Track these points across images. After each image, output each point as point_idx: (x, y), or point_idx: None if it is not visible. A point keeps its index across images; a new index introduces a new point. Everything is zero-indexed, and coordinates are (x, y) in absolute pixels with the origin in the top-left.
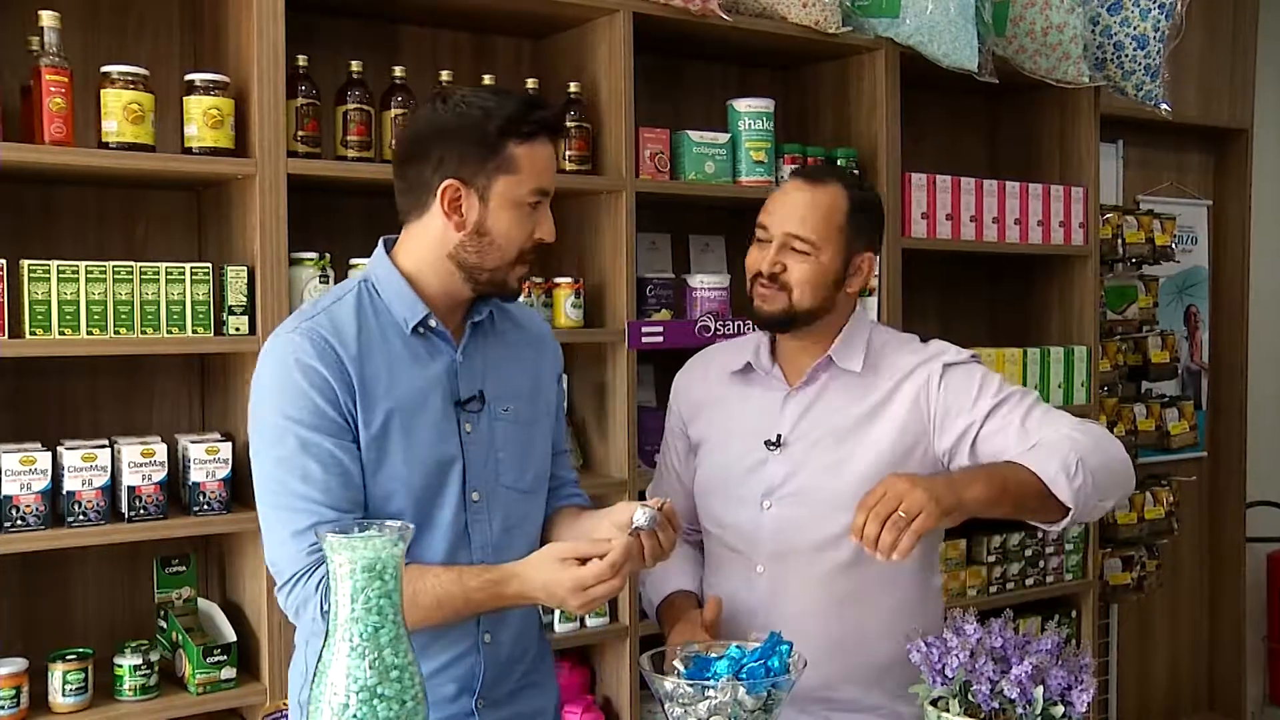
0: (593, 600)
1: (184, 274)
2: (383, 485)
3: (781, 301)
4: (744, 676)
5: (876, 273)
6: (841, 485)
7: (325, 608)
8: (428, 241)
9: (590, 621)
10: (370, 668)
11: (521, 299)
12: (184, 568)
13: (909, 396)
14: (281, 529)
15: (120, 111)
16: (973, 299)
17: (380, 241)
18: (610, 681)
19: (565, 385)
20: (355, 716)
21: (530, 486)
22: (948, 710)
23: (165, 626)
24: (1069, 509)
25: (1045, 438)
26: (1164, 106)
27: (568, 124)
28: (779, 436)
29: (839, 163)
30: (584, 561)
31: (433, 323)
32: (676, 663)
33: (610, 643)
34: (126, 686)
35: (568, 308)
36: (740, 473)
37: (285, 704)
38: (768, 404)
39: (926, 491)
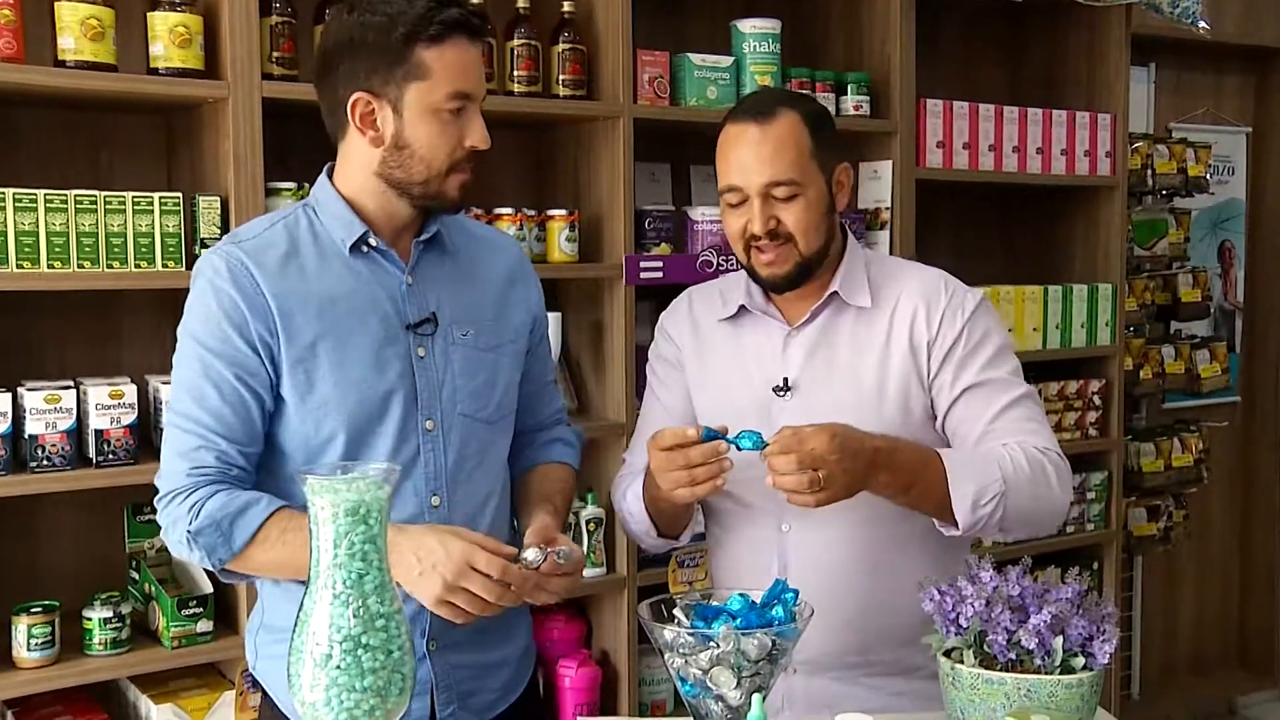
0: (461, 589)
1: (153, 204)
2: (313, 411)
3: (792, 257)
4: (747, 625)
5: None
6: (862, 424)
7: (191, 528)
8: (356, 161)
9: (587, 572)
10: (354, 616)
11: (512, 230)
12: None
13: (907, 325)
14: (172, 444)
15: (77, 27)
16: (990, 234)
17: (324, 168)
18: (607, 634)
19: (546, 312)
20: (339, 667)
21: (492, 416)
22: (962, 662)
23: (137, 578)
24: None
25: (992, 451)
26: (1202, 25)
27: (561, 46)
28: (785, 380)
29: (849, 88)
30: None
31: (373, 241)
32: (677, 612)
33: (607, 594)
34: (96, 640)
35: (562, 241)
36: (747, 422)
37: None
38: (768, 346)
39: (846, 473)
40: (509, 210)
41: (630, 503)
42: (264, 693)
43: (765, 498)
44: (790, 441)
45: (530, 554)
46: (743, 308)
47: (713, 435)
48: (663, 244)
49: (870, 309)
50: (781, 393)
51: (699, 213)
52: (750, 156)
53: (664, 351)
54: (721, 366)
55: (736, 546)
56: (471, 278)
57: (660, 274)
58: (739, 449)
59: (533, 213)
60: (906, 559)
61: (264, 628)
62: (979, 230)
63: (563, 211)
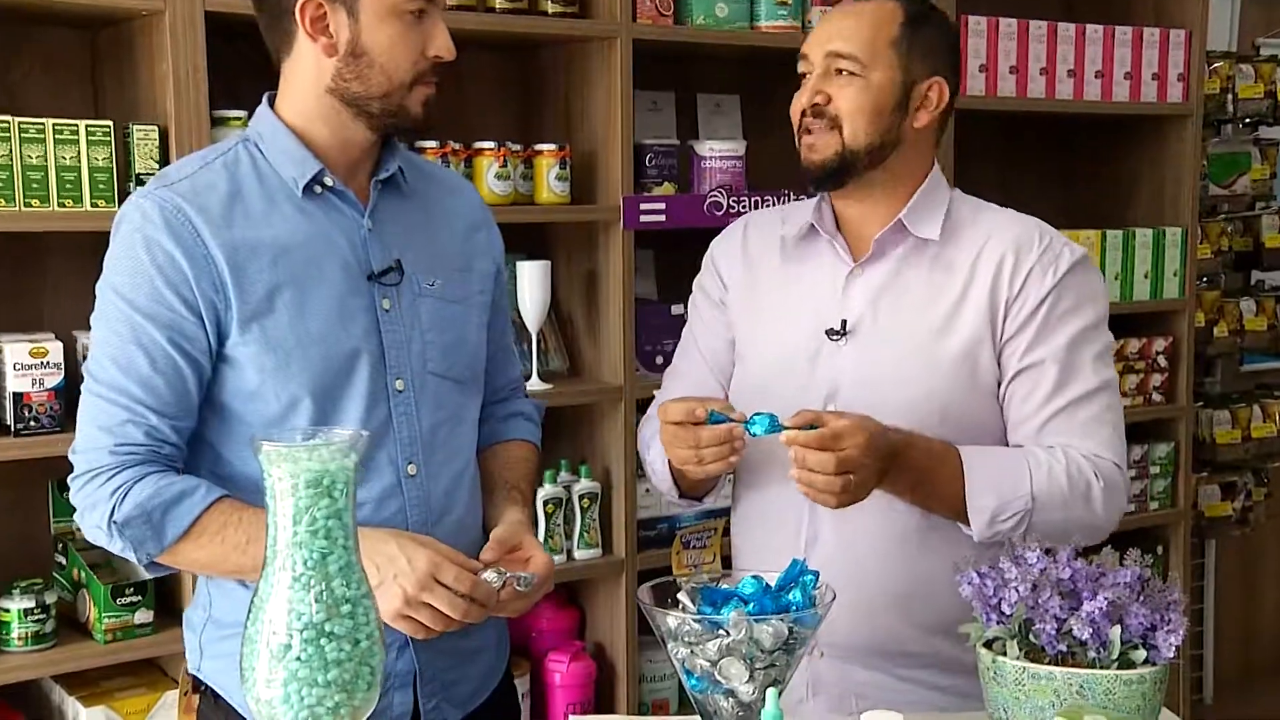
0: (423, 604)
1: (77, 133)
2: (272, 374)
3: (832, 143)
4: (761, 611)
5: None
6: (919, 386)
7: (116, 518)
8: (304, 79)
9: (579, 554)
10: (316, 601)
11: (494, 169)
12: None
13: (989, 276)
14: (92, 416)
15: None
16: (1042, 172)
17: (265, 97)
18: (603, 624)
19: (506, 274)
20: (299, 659)
21: (464, 375)
22: (1004, 654)
23: (64, 563)
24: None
25: (1027, 455)
26: None
27: None
28: (844, 323)
29: None
30: None
31: (329, 180)
32: (682, 596)
33: (602, 579)
34: (15, 635)
35: (551, 180)
36: (795, 368)
37: None
38: (828, 282)
39: (871, 477)
40: (490, 145)
41: (654, 456)
42: (210, 694)
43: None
44: (826, 439)
45: (489, 575)
46: (810, 229)
47: (721, 420)
48: (665, 183)
49: (945, 245)
50: (836, 337)
51: (707, 148)
52: (830, 26)
53: (708, 286)
54: (771, 303)
55: (761, 516)
56: (434, 223)
57: (663, 217)
58: (750, 434)
59: (518, 148)
60: (951, 539)
61: (211, 622)
62: (1028, 168)
63: (552, 147)
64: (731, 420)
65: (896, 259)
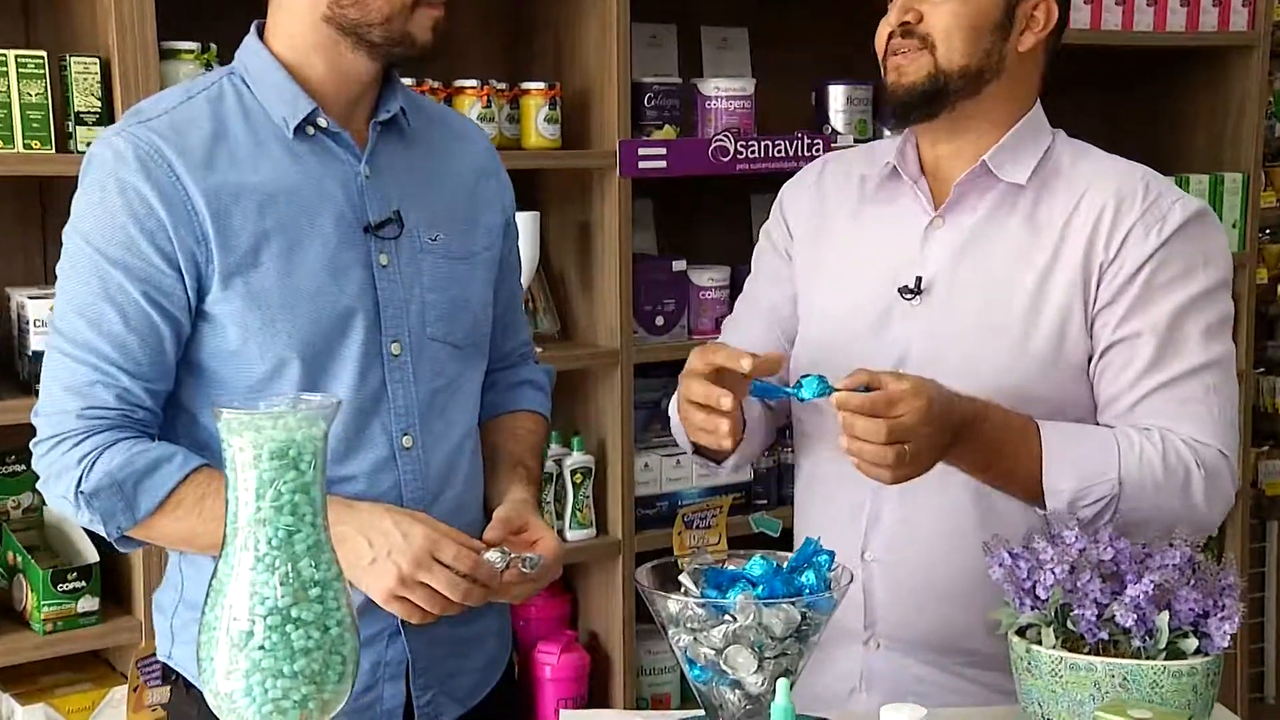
0: (419, 584)
1: (6, 65)
2: (257, 333)
3: (924, 64)
4: (771, 594)
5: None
6: (1000, 356)
7: (83, 488)
8: (297, 5)
9: (571, 534)
10: (281, 584)
11: (477, 110)
12: (22, 467)
13: (1085, 234)
14: (58, 375)
15: None
16: (1085, 110)
17: (252, 27)
18: (597, 612)
19: (515, 216)
20: (263, 648)
21: (464, 341)
22: (1039, 642)
23: None
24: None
25: (1117, 435)
26: None
27: None
28: (919, 280)
29: None
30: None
31: (322, 121)
32: (684, 578)
33: (597, 561)
34: None
35: (540, 123)
36: (861, 330)
37: None
38: (906, 233)
39: (933, 449)
40: (473, 83)
41: (674, 407)
42: (182, 683)
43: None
44: (879, 404)
45: (493, 555)
46: (894, 170)
47: (764, 389)
48: (666, 126)
49: (1042, 205)
50: (910, 295)
51: (712, 86)
52: None
53: (774, 235)
54: (840, 254)
55: (820, 490)
56: (437, 170)
57: (663, 164)
58: (799, 399)
59: (503, 87)
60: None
61: (184, 604)
62: (1070, 106)
63: (541, 85)
64: (774, 392)
65: (985, 210)
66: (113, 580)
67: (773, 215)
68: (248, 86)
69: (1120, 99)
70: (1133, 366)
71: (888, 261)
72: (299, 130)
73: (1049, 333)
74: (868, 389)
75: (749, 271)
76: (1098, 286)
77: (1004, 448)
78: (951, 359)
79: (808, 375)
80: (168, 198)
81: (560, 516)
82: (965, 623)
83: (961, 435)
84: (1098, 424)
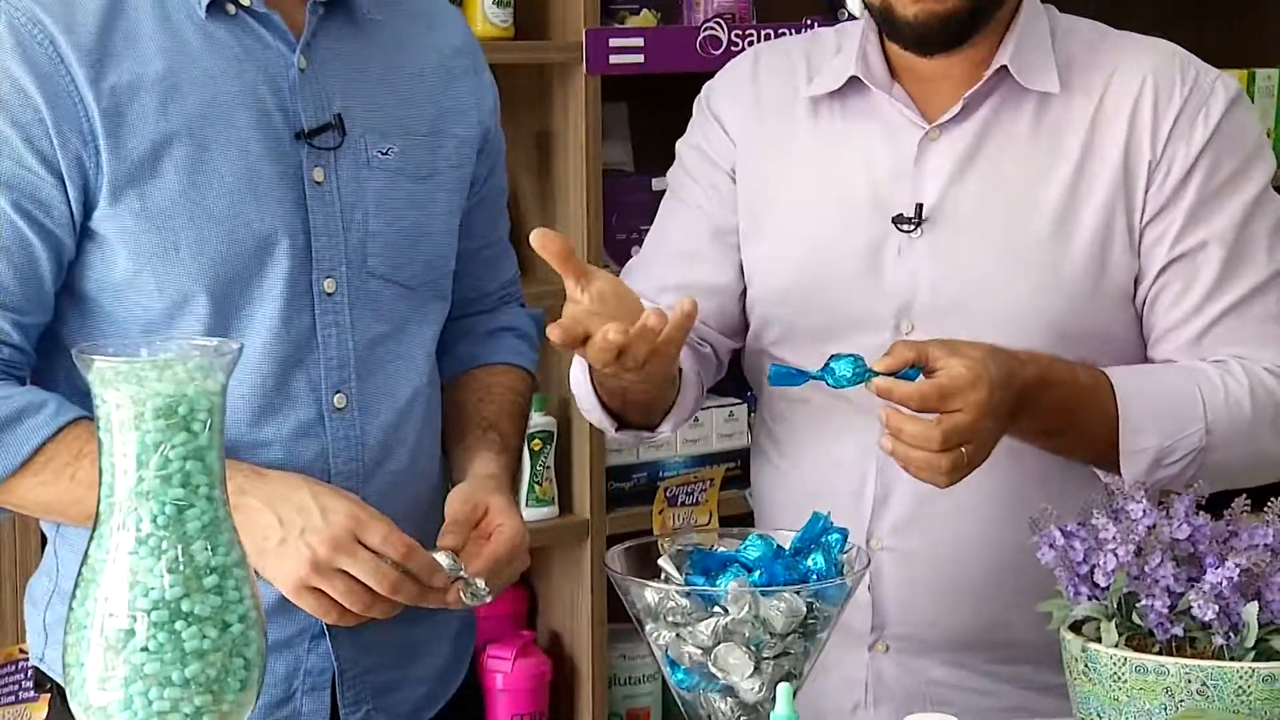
0: (337, 571)
1: None
2: (152, 260)
3: None
4: (770, 581)
5: None
6: (1027, 293)
7: None
8: None
9: (529, 512)
10: (169, 571)
11: None
12: None
13: (1122, 128)
14: None
15: None
16: None
17: None
18: (560, 608)
19: (500, 127)
20: (146, 650)
21: (417, 280)
22: (1098, 640)
23: None
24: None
25: (1195, 376)
26: None
27: None
28: (919, 208)
29: None
30: None
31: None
32: (664, 562)
33: (560, 546)
34: None
35: (487, 7)
36: (850, 272)
37: (25, 649)
38: (890, 152)
39: (993, 438)
40: None
41: (575, 372)
42: (56, 696)
43: (858, 393)
44: (930, 398)
45: (441, 557)
46: (852, 82)
47: (784, 373)
48: (644, 12)
49: (1060, 98)
50: (908, 227)
51: None
52: None
53: (707, 147)
54: (804, 177)
55: (804, 461)
56: (395, 64)
57: (640, 58)
58: (830, 385)
59: None
60: (1065, 498)
61: (59, 595)
62: None
63: None
64: (798, 376)
65: (985, 114)
66: None
67: (699, 123)
68: None
69: None
70: (1197, 286)
71: (872, 185)
72: (215, 7)
73: (1085, 257)
74: (913, 368)
75: None
76: (1145, 194)
77: (1072, 415)
78: (969, 304)
79: (837, 355)
80: (50, 86)
81: (515, 490)
82: (994, 612)
83: (1023, 408)
84: (1147, 358)
